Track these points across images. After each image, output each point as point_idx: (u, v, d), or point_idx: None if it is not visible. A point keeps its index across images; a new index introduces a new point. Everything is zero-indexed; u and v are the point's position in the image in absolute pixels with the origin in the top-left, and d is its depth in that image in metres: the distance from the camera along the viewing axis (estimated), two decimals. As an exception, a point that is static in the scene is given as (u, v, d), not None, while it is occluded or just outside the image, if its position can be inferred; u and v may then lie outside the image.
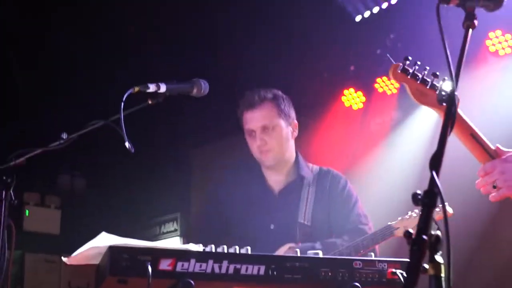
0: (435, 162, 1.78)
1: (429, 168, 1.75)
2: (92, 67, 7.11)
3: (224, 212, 4.18)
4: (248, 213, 4.09)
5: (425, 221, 1.64)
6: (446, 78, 2.59)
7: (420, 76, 2.66)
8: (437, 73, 2.82)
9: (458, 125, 2.71)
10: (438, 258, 1.65)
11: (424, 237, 1.60)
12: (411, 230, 1.65)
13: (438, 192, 1.68)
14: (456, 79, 1.99)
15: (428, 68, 2.71)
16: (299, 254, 2.59)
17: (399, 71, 2.58)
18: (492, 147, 2.76)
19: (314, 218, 4.05)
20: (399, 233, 3.90)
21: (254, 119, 4.10)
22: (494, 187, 2.63)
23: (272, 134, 4.09)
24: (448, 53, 2.03)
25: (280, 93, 4.23)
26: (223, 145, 8.45)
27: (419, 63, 2.74)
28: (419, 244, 1.60)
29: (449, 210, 3.73)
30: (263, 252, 3.73)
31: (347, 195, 4.18)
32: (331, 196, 4.15)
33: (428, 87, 2.73)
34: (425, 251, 1.60)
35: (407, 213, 3.97)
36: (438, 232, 1.66)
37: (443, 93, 1.99)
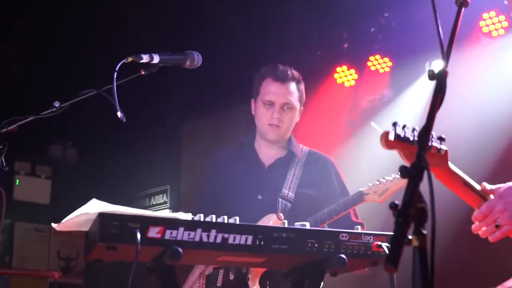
0: (423, 137, 1.80)
1: (417, 143, 1.78)
2: (86, 36, 7.08)
3: (215, 184, 4.25)
4: (238, 184, 4.16)
5: (411, 194, 1.66)
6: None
7: (412, 138, 2.63)
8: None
9: (450, 179, 2.69)
10: (423, 230, 1.68)
11: (410, 208, 1.63)
12: (397, 202, 1.67)
13: (425, 166, 1.71)
14: (447, 56, 2.01)
15: (416, 128, 2.68)
16: (286, 226, 2.61)
17: (391, 139, 2.53)
18: (479, 187, 2.75)
19: (297, 194, 4.10)
20: (369, 198, 3.95)
21: (279, 93, 4.13)
22: (497, 226, 2.60)
23: (288, 113, 4.15)
24: (440, 30, 2.04)
25: (300, 77, 4.28)
26: (213, 119, 8.48)
27: (407, 125, 2.71)
28: (404, 216, 1.62)
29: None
30: (251, 221, 3.73)
31: (341, 180, 4.28)
32: (324, 180, 4.22)
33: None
34: (410, 223, 1.63)
35: (378, 180, 4.00)
36: (424, 205, 1.68)
37: (433, 69, 2.01)
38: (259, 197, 4.11)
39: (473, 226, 2.70)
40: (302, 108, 4.28)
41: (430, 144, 2.79)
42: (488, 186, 2.75)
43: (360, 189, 4.01)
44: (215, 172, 4.35)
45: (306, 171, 4.22)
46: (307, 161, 4.26)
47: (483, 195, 2.70)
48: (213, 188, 4.26)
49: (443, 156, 2.71)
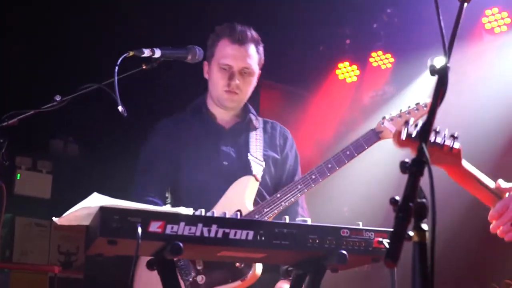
0: (424, 132, 1.80)
1: (418, 138, 1.77)
2: (88, 30, 7.08)
3: (172, 155, 3.92)
4: (198, 153, 3.89)
5: (411, 189, 1.66)
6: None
7: None
8: (437, 128, 2.82)
9: (463, 177, 2.69)
10: (423, 225, 1.68)
11: (410, 204, 1.62)
12: (397, 198, 1.67)
13: (426, 161, 1.71)
14: (449, 52, 2.00)
15: None
16: (287, 221, 2.61)
17: (403, 138, 2.51)
18: (494, 185, 2.73)
19: (265, 157, 3.89)
20: (386, 135, 3.66)
21: (238, 56, 3.82)
22: None
23: (247, 79, 3.87)
24: (443, 26, 2.04)
25: (260, 38, 3.96)
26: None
27: (419, 124, 2.71)
28: (405, 211, 1.62)
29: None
30: (219, 189, 3.70)
31: (296, 151, 4.09)
32: (283, 148, 4.02)
33: (431, 146, 2.71)
34: (410, 218, 1.63)
35: (389, 114, 3.72)
36: (424, 200, 1.68)
37: (435, 65, 2.00)
38: (225, 163, 3.86)
39: (491, 226, 2.68)
40: (260, 72, 3.97)
41: (442, 142, 2.78)
42: (504, 184, 2.73)
43: (372, 128, 3.72)
44: (163, 142, 3.97)
45: (266, 135, 4.00)
46: (265, 128, 4.04)
47: (498, 193, 2.69)
48: (167, 158, 3.91)
49: (456, 155, 2.70)
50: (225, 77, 3.83)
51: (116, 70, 3.09)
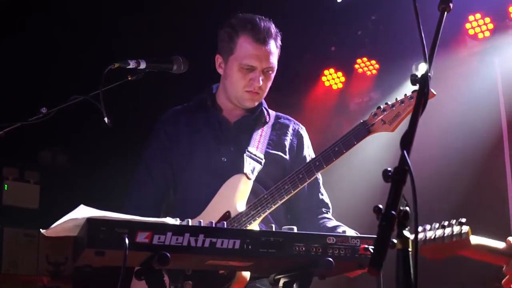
0: (406, 140, 1.83)
1: (400, 147, 1.80)
2: (72, 42, 7.09)
3: (171, 148, 3.81)
4: (199, 148, 3.75)
5: (394, 197, 1.69)
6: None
7: (433, 236, 2.66)
8: (445, 223, 2.88)
9: (475, 253, 2.73)
10: (406, 233, 1.70)
11: (393, 212, 1.65)
12: (380, 206, 1.70)
13: (408, 169, 1.73)
14: (430, 60, 2.03)
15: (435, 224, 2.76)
16: (274, 229, 2.63)
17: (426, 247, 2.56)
18: (503, 245, 2.77)
19: (267, 155, 3.71)
20: (378, 129, 3.47)
21: (262, 57, 3.62)
22: None
23: (269, 76, 3.70)
24: (423, 35, 2.08)
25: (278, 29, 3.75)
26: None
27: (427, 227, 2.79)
28: (388, 219, 1.65)
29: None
30: (216, 186, 3.58)
31: (311, 149, 3.93)
32: (295, 145, 3.85)
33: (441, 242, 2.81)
34: (393, 226, 1.65)
35: (380, 106, 3.51)
36: (407, 208, 1.71)
37: (416, 74, 2.03)
38: (224, 159, 3.69)
39: (503, 280, 2.72)
40: None
41: (451, 233, 2.82)
42: None
43: (362, 120, 3.51)
44: (162, 138, 3.84)
45: (274, 132, 3.81)
46: (276, 123, 3.86)
47: (509, 253, 2.72)
48: (169, 153, 3.80)
49: (465, 240, 2.74)
50: (246, 77, 3.64)
51: (102, 81, 3.11)
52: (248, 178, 3.58)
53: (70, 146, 9.86)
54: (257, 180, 3.65)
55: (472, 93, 6.13)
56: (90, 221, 2.38)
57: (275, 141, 3.80)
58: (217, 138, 3.76)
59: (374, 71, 7.23)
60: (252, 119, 3.81)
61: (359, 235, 2.80)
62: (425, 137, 5.66)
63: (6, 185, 9.75)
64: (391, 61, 6.84)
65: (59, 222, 2.54)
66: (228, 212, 3.53)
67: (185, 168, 3.76)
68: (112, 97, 3.23)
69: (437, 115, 5.86)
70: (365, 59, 7.22)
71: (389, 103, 3.50)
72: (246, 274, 3.44)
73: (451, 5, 2.19)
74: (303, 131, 3.94)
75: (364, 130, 3.47)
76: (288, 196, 3.51)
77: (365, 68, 7.26)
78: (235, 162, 3.66)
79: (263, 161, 3.68)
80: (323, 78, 7.55)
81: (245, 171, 3.58)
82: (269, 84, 3.73)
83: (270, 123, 3.84)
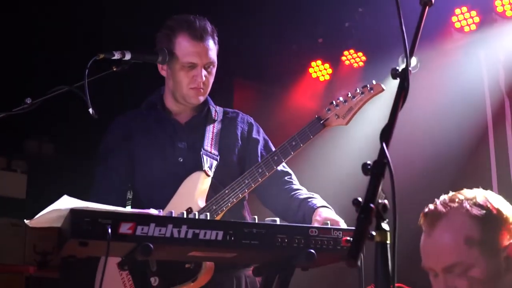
0: (386, 133, 1.85)
1: (379, 139, 1.82)
2: (57, 32, 7.07)
3: (126, 154, 3.87)
4: (153, 149, 3.82)
5: (373, 190, 1.70)
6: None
7: None
8: None
9: None
10: (385, 225, 1.72)
11: (372, 205, 1.67)
12: (359, 199, 1.71)
13: (387, 162, 1.75)
14: (410, 54, 2.05)
15: None
16: (256, 221, 2.65)
17: None
18: None
19: (221, 150, 3.80)
20: (332, 123, 3.62)
21: (201, 53, 3.71)
22: None
23: (211, 73, 3.78)
24: (404, 29, 2.09)
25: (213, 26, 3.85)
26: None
27: None
28: (367, 212, 1.66)
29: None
30: (175, 186, 3.63)
31: (263, 133, 3.98)
32: (245, 135, 3.91)
33: None
34: (371, 219, 1.67)
35: (333, 101, 3.65)
36: (386, 201, 1.73)
37: (397, 68, 2.05)
38: (180, 159, 3.77)
39: None
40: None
41: None
42: None
43: (317, 115, 3.66)
44: (116, 141, 3.89)
45: (225, 127, 3.91)
46: (224, 118, 3.95)
47: None
48: (122, 157, 3.85)
49: None
50: (189, 75, 3.73)
51: (86, 72, 3.11)
52: (207, 175, 3.66)
53: (56, 136, 9.84)
54: (214, 177, 3.72)
55: (457, 86, 6.16)
56: (73, 211, 2.39)
57: (226, 134, 3.88)
58: (171, 140, 3.82)
59: (361, 63, 7.24)
60: (202, 118, 3.89)
61: (341, 227, 2.82)
62: (410, 129, 5.71)
63: (-8, 175, 9.72)
64: (378, 53, 6.86)
65: (43, 213, 2.56)
66: (190, 208, 3.54)
67: (140, 170, 3.82)
68: (98, 88, 3.24)
69: (422, 107, 5.90)
70: (352, 51, 7.24)
71: (341, 98, 3.64)
72: (211, 267, 3.45)
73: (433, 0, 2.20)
74: (252, 120, 4.01)
75: (319, 125, 3.62)
76: (249, 190, 3.59)
77: (352, 60, 7.28)
78: (191, 161, 3.73)
79: (218, 157, 3.77)
80: (310, 70, 7.56)
81: (204, 169, 3.67)
82: (212, 79, 3.81)
83: (219, 119, 3.93)
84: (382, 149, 1.78)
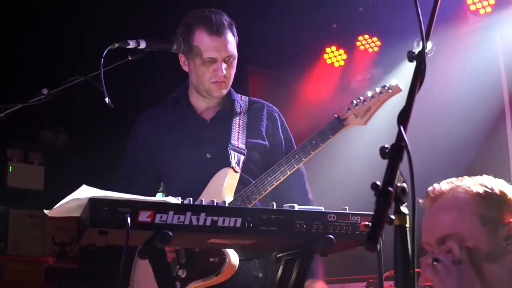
0: (403, 117, 1.84)
1: (397, 123, 1.81)
2: (74, 23, 7.08)
3: (153, 146, 3.96)
4: (180, 146, 3.89)
5: (391, 174, 1.70)
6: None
7: None
8: None
9: None
10: (404, 209, 1.72)
11: (390, 188, 1.66)
12: (378, 183, 1.71)
13: (404, 145, 1.74)
14: (426, 38, 2.04)
15: None
16: (275, 207, 2.65)
17: None
18: None
19: (248, 145, 3.87)
20: (351, 122, 3.71)
21: (220, 47, 3.78)
22: None
23: (231, 65, 3.86)
24: (419, 12, 2.08)
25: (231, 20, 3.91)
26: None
27: None
28: (385, 195, 1.66)
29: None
30: (202, 183, 3.71)
31: (286, 129, 4.06)
32: (270, 129, 3.99)
33: None
34: (390, 202, 1.66)
35: (353, 102, 3.75)
36: (404, 184, 1.72)
37: (414, 51, 2.04)
38: (208, 155, 3.85)
39: None
40: None
41: None
42: None
43: (336, 115, 3.74)
44: (143, 136, 4.00)
45: (250, 120, 3.97)
46: (250, 110, 4.01)
47: None
48: (145, 153, 3.96)
49: None
50: (210, 69, 3.80)
51: (102, 62, 3.11)
52: (235, 171, 3.74)
53: (71, 127, 9.88)
54: (243, 171, 3.79)
55: (473, 69, 6.13)
56: (92, 201, 2.40)
57: (252, 129, 3.94)
58: (198, 137, 3.89)
59: (376, 48, 7.22)
60: (226, 112, 3.96)
61: (359, 212, 2.82)
62: (427, 113, 5.69)
63: (10, 167, 9.78)
64: (392, 37, 6.82)
65: (62, 203, 2.56)
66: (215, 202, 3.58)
67: (168, 167, 3.90)
68: (113, 77, 3.24)
69: (439, 91, 5.87)
70: (366, 36, 7.22)
71: (361, 98, 3.74)
72: (235, 261, 3.49)
73: (448, -19, 2.18)
74: (276, 114, 4.07)
75: (338, 124, 3.70)
76: (271, 188, 3.67)
77: (367, 45, 7.26)
78: (219, 157, 3.80)
79: (245, 152, 3.84)
80: (325, 56, 7.55)
81: (232, 165, 3.74)
82: (233, 71, 3.88)
83: (244, 110, 3.99)
84: (399, 132, 1.77)
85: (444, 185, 2.46)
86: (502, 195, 2.38)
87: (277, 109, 4.10)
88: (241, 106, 3.99)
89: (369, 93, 3.74)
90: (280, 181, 3.66)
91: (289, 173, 3.66)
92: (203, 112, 3.98)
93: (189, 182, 3.80)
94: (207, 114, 3.97)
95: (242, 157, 3.82)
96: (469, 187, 2.39)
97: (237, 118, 3.94)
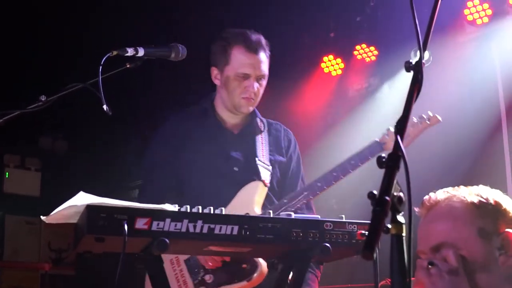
0: (400, 126, 1.85)
1: (394, 133, 1.82)
2: (71, 30, 7.09)
3: (175, 161, 4.02)
4: (206, 158, 3.99)
5: (388, 183, 1.70)
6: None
7: None
8: None
9: None
10: (400, 218, 1.72)
11: (387, 198, 1.67)
12: (375, 192, 1.72)
13: (401, 155, 1.75)
14: (423, 47, 2.05)
15: None
16: (271, 215, 2.66)
17: None
18: None
19: (271, 161, 4.03)
20: (389, 147, 3.93)
21: (255, 65, 3.93)
22: None
23: (262, 83, 4.00)
24: (417, 22, 2.09)
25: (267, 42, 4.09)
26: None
27: None
28: (382, 204, 1.66)
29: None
30: (228, 197, 3.78)
31: (298, 151, 4.23)
32: (287, 151, 4.16)
33: None
34: (387, 211, 1.67)
35: (389, 128, 4.00)
36: (401, 194, 1.73)
37: (411, 61, 2.05)
38: (235, 169, 3.97)
39: None
40: None
41: None
42: None
43: (376, 139, 4.02)
44: (170, 144, 4.06)
45: (272, 139, 4.13)
46: (270, 129, 4.17)
47: None
48: (170, 164, 4.01)
49: None
50: (242, 85, 3.94)
51: (100, 69, 3.12)
52: (266, 185, 3.89)
53: (69, 133, 9.88)
54: (271, 184, 3.97)
55: (470, 79, 6.14)
56: (89, 207, 2.40)
57: (274, 147, 4.11)
58: (225, 149, 4.02)
59: (373, 58, 7.23)
60: (251, 128, 4.11)
61: (356, 221, 2.83)
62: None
63: (7, 173, 9.78)
64: (390, 47, 6.84)
65: (59, 209, 2.57)
66: (247, 214, 3.64)
67: (193, 178, 3.97)
68: (111, 85, 3.24)
69: (435, 101, 5.88)
70: (364, 45, 7.23)
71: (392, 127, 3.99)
72: (265, 269, 3.59)
73: (446, -9, 2.19)
74: (292, 136, 4.26)
75: (378, 148, 4.00)
76: (307, 201, 3.91)
77: (364, 55, 7.26)
78: (246, 170, 3.95)
79: (270, 168, 4.00)
80: (322, 65, 7.56)
81: (262, 179, 3.90)
82: (262, 91, 4.03)
83: (266, 129, 4.14)
84: (396, 142, 1.78)
85: (440, 194, 2.47)
86: (497, 205, 2.38)
87: (291, 133, 4.26)
88: (263, 125, 4.15)
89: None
90: (317, 195, 3.90)
91: (326, 188, 3.89)
92: (230, 125, 4.11)
93: (215, 193, 3.85)
94: (233, 127, 4.11)
95: (268, 173, 3.96)
96: (464, 197, 2.40)
97: (260, 135, 4.09)
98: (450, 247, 2.31)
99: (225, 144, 4.03)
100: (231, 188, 3.83)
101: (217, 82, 4.06)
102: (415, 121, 4.04)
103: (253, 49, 3.93)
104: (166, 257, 3.60)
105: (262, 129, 4.13)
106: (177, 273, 3.73)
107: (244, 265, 3.61)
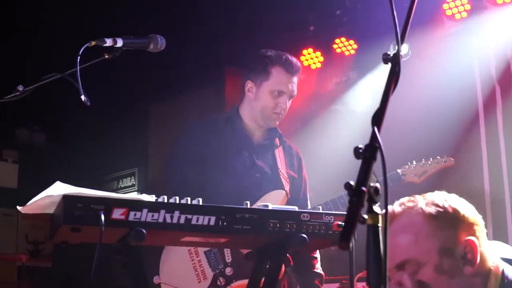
0: (377, 118, 1.85)
1: (371, 124, 1.83)
2: (49, 19, 7.04)
3: (200, 165, 4.26)
4: (230, 163, 4.26)
5: (364, 174, 1.71)
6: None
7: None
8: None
9: None
10: (376, 208, 1.73)
11: (363, 188, 1.68)
12: (352, 182, 1.72)
13: (378, 146, 1.76)
14: (401, 40, 2.05)
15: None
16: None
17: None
18: None
19: (288, 174, 4.34)
20: (409, 179, 4.46)
21: (290, 84, 4.33)
22: None
23: (289, 104, 4.38)
24: (395, 15, 2.09)
25: None
26: (180, 101, 8.48)
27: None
28: (358, 195, 1.67)
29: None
30: (250, 199, 3.86)
31: (303, 169, 4.55)
32: (299, 170, 4.50)
33: None
34: (363, 202, 1.68)
35: (413, 162, 4.51)
36: (377, 184, 1.74)
37: (389, 53, 2.05)
38: (258, 175, 4.25)
39: None
40: None
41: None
42: None
43: (398, 170, 4.44)
44: (199, 151, 4.32)
45: (286, 153, 4.48)
46: (283, 145, 4.52)
47: None
48: (196, 168, 4.25)
49: None
50: (275, 101, 4.31)
51: (78, 60, 3.10)
52: (287, 196, 4.21)
53: (47, 125, 9.82)
54: (291, 190, 4.33)
55: (449, 74, 6.16)
56: (66, 197, 2.40)
57: (288, 161, 4.48)
58: (249, 156, 4.34)
59: (353, 51, 7.23)
60: (272, 142, 4.47)
61: (332, 212, 2.84)
62: (402, 116, 5.72)
63: (-17, 164, 9.71)
64: (369, 41, 6.84)
65: (36, 199, 2.56)
66: None
67: (215, 179, 4.18)
68: (90, 75, 3.23)
69: (413, 95, 5.91)
70: (343, 39, 7.22)
71: (421, 162, 4.59)
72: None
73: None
74: (300, 154, 4.62)
75: (399, 177, 4.49)
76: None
77: (344, 48, 7.26)
78: (267, 178, 4.29)
79: (289, 180, 4.36)
80: (302, 58, 7.54)
81: (285, 189, 4.24)
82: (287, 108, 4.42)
83: (281, 145, 4.52)
84: (373, 133, 1.78)
85: (397, 208, 2.45)
86: (455, 212, 2.38)
87: (299, 150, 4.64)
88: (279, 141, 4.51)
89: (429, 161, 4.61)
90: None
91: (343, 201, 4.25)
92: (254, 136, 4.44)
93: (235, 200, 3.87)
94: (256, 138, 4.45)
95: (288, 186, 4.32)
96: (421, 208, 2.39)
97: (278, 150, 4.46)
98: (413, 264, 2.33)
99: (249, 152, 4.34)
100: (251, 194, 3.98)
101: (249, 94, 4.39)
102: (433, 160, 4.58)
103: (291, 71, 4.33)
104: (184, 248, 3.87)
105: (279, 144, 4.47)
106: (195, 263, 3.92)
107: None
